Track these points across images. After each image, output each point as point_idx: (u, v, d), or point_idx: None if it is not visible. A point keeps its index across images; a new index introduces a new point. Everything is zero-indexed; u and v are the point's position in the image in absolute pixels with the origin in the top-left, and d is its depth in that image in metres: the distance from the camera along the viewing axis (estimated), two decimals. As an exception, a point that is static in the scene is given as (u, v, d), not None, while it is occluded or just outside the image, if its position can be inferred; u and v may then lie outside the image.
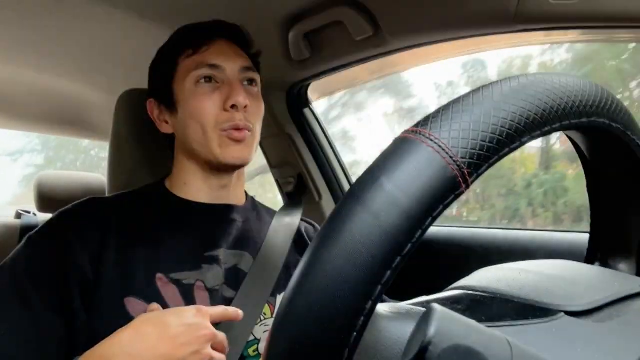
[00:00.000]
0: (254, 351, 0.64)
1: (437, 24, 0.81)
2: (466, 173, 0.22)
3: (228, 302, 0.64)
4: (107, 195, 0.80)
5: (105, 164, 0.90)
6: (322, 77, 1.10)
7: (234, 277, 0.67)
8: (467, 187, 0.22)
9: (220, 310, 0.58)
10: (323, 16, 0.88)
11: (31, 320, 0.55)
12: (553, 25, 0.71)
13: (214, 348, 0.55)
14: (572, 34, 0.78)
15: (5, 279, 0.58)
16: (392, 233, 0.21)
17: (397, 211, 0.21)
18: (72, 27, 0.95)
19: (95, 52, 1.06)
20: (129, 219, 0.66)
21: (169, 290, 0.61)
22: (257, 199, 0.84)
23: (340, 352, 0.20)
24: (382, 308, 0.26)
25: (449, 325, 0.20)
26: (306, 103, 1.24)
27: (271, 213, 0.82)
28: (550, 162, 2.01)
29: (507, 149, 0.23)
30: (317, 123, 1.26)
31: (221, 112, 0.67)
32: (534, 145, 1.96)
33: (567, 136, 0.34)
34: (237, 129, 0.67)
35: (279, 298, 0.70)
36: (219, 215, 0.72)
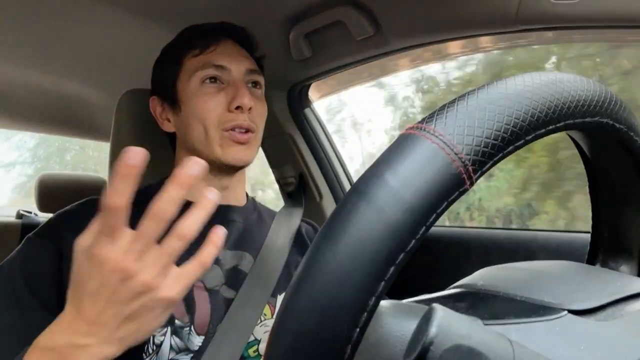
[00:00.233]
0: (254, 352, 0.64)
1: (438, 24, 0.81)
2: (471, 170, 0.22)
3: (228, 302, 0.64)
4: None
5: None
6: (323, 77, 1.10)
7: (234, 278, 0.67)
8: (472, 184, 0.22)
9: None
10: (324, 16, 0.88)
11: (25, 320, 0.55)
12: (554, 26, 0.71)
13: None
14: (573, 34, 0.78)
15: (1, 279, 0.57)
16: (396, 229, 0.21)
17: (401, 207, 0.21)
18: (73, 28, 0.96)
19: (97, 52, 1.06)
20: (128, 218, 0.66)
21: None
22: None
23: (342, 348, 0.20)
24: (385, 305, 0.26)
25: (451, 325, 0.20)
26: (307, 103, 1.24)
27: (272, 214, 0.82)
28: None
29: (511, 147, 0.23)
30: (317, 123, 1.26)
31: (225, 113, 0.68)
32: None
33: (570, 136, 0.34)
34: (241, 129, 0.68)
35: (279, 299, 0.70)
36: (219, 215, 0.72)
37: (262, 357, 0.22)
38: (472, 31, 0.79)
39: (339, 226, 0.21)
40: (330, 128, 1.25)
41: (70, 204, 0.67)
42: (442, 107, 0.24)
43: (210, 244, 0.41)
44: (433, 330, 0.19)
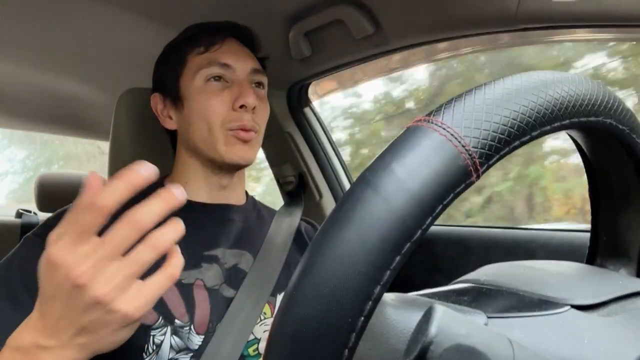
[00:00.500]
0: (254, 350, 0.64)
1: (437, 23, 0.81)
2: (477, 163, 0.22)
3: (228, 301, 0.64)
4: None
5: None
6: (323, 76, 1.10)
7: (234, 277, 0.67)
8: (478, 177, 0.22)
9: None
10: (323, 15, 0.88)
11: (21, 319, 0.54)
12: (554, 24, 0.71)
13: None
14: (573, 33, 0.78)
15: None
16: (402, 218, 0.21)
17: (408, 197, 0.21)
18: (73, 27, 0.95)
19: (96, 51, 1.06)
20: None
21: (167, 289, 0.61)
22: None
23: (346, 336, 0.20)
24: (389, 297, 0.26)
25: (451, 324, 0.20)
26: (307, 102, 1.24)
27: (271, 213, 0.82)
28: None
29: (517, 142, 0.24)
30: (317, 122, 1.26)
31: (229, 112, 0.68)
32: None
33: (571, 137, 0.34)
34: (245, 129, 0.68)
35: (279, 297, 0.70)
36: (219, 214, 0.72)
37: (266, 344, 0.22)
38: (472, 30, 0.79)
39: (346, 214, 0.21)
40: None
41: (70, 204, 0.67)
42: (450, 101, 0.24)
43: (177, 254, 0.38)
44: (433, 329, 0.19)
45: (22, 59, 1.09)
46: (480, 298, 0.28)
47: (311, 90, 1.23)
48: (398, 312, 0.25)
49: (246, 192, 0.81)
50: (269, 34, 0.95)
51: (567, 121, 0.26)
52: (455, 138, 0.22)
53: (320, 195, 1.23)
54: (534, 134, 0.24)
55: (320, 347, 0.20)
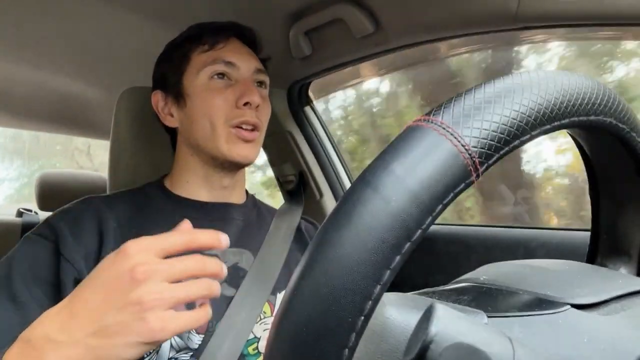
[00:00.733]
0: (253, 349, 0.65)
1: (438, 22, 0.81)
2: (477, 162, 0.22)
3: (228, 300, 0.64)
4: (107, 193, 0.80)
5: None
6: (323, 74, 1.10)
7: (234, 276, 0.67)
8: (478, 176, 0.22)
9: (177, 236, 0.41)
10: (324, 13, 0.88)
11: (21, 318, 0.55)
12: (554, 23, 0.71)
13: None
14: (573, 32, 0.78)
15: None
16: (402, 218, 0.21)
17: (408, 196, 0.21)
18: (73, 26, 0.95)
19: (96, 50, 1.06)
20: (127, 216, 0.66)
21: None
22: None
23: (346, 336, 0.20)
24: (389, 296, 0.26)
25: (451, 323, 0.20)
26: (307, 101, 1.24)
27: (272, 211, 0.82)
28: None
29: (517, 141, 0.24)
30: (318, 121, 1.26)
31: (232, 109, 0.68)
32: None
33: (571, 136, 0.34)
34: (248, 125, 0.69)
35: (279, 296, 0.70)
36: (218, 213, 0.72)
37: (266, 344, 0.22)
38: (472, 29, 0.79)
39: (345, 214, 0.21)
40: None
41: (70, 201, 0.67)
42: (450, 100, 0.24)
43: (207, 308, 0.42)
44: (433, 328, 0.20)
45: (23, 58, 1.09)
46: (480, 297, 0.28)
47: (312, 89, 1.23)
48: (398, 311, 0.25)
49: (246, 191, 0.81)
50: (270, 32, 0.95)
51: (567, 120, 0.26)
52: (455, 137, 0.22)
53: (321, 194, 1.23)
54: (534, 133, 0.24)
55: (321, 347, 0.20)
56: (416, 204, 0.21)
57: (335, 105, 1.89)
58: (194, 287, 0.39)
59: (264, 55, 0.79)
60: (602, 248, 0.39)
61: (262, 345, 0.66)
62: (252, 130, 0.70)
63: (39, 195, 1.47)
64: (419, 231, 0.21)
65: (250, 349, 0.64)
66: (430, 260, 1.07)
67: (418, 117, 0.24)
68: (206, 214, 0.71)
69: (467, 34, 0.81)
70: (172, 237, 0.41)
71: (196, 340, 0.60)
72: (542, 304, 0.26)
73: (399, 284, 0.29)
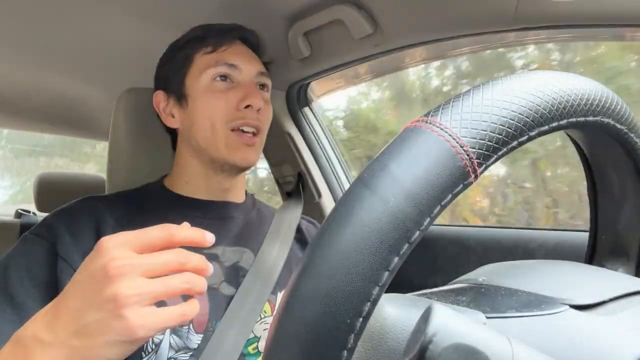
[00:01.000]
0: (253, 349, 0.64)
1: (436, 23, 0.81)
2: (475, 163, 0.22)
3: (228, 299, 0.64)
4: (106, 194, 0.80)
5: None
6: (322, 76, 1.10)
7: (234, 275, 0.67)
8: (476, 177, 0.22)
9: (157, 231, 0.39)
10: (323, 15, 0.88)
11: (18, 318, 0.54)
12: (553, 24, 0.71)
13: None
14: (572, 33, 0.78)
15: None
16: (401, 219, 0.21)
17: (406, 197, 0.21)
18: (72, 27, 0.95)
19: (96, 51, 1.06)
20: (126, 216, 0.66)
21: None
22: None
23: (345, 337, 0.20)
24: (388, 297, 0.26)
25: (449, 323, 0.20)
26: (306, 102, 1.24)
27: (271, 211, 0.82)
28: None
29: (515, 142, 0.24)
30: (317, 122, 1.26)
31: (234, 111, 0.68)
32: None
33: (569, 137, 0.34)
34: (250, 128, 0.69)
35: (280, 295, 0.70)
36: (218, 212, 0.72)
37: (265, 345, 0.22)
38: (471, 30, 0.79)
39: (343, 215, 0.21)
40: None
41: (68, 202, 0.67)
42: (448, 101, 0.24)
43: (197, 303, 0.40)
44: (432, 329, 0.20)
45: (21, 58, 1.09)
46: (479, 298, 0.28)
47: (310, 90, 1.23)
48: (397, 312, 0.25)
49: (245, 191, 0.81)
50: (268, 33, 0.95)
51: (565, 121, 0.26)
52: (453, 139, 0.22)
53: (320, 195, 1.23)
54: (532, 134, 0.24)
55: (319, 349, 0.20)
56: (414, 205, 0.21)
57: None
58: (173, 282, 0.38)
59: (265, 59, 0.79)
60: (600, 248, 0.39)
61: (262, 345, 0.66)
62: (253, 135, 0.70)
63: (37, 196, 1.47)
64: (418, 232, 0.21)
65: (250, 348, 0.64)
66: (429, 261, 1.07)
67: (416, 118, 0.24)
68: (206, 213, 0.71)
69: (466, 35, 0.81)
70: (150, 231, 0.39)
71: (195, 339, 0.60)
72: (540, 304, 0.26)
73: (397, 285, 0.29)
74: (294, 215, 0.82)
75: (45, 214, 1.49)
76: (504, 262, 0.35)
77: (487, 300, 0.28)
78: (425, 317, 0.20)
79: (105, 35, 0.99)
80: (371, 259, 0.20)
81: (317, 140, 1.25)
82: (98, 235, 0.62)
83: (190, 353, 0.60)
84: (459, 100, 0.24)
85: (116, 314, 0.35)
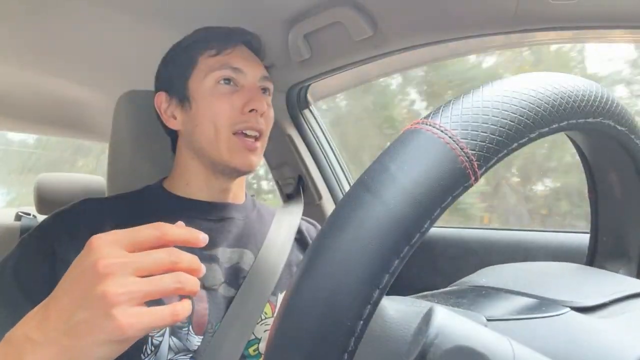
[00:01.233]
0: (254, 350, 0.64)
1: (436, 24, 0.81)
2: (475, 165, 0.22)
3: (228, 301, 0.64)
4: (106, 196, 0.80)
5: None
6: (322, 78, 1.10)
7: (235, 276, 0.67)
8: (476, 179, 0.22)
9: (149, 230, 0.39)
10: (322, 17, 0.88)
11: (15, 321, 0.54)
12: (553, 25, 0.71)
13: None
14: (572, 34, 0.78)
15: None
16: (401, 221, 0.21)
17: (406, 200, 0.21)
18: (72, 29, 0.96)
19: (96, 53, 1.06)
20: (125, 218, 0.66)
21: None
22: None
23: (346, 340, 0.20)
24: (388, 300, 0.26)
25: (450, 326, 0.20)
26: (306, 104, 1.24)
27: (271, 212, 0.82)
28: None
29: (515, 144, 0.24)
30: (317, 124, 1.26)
31: (238, 115, 0.68)
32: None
33: (570, 138, 0.34)
34: (253, 131, 0.69)
35: (280, 297, 0.70)
36: (218, 213, 0.72)
37: (265, 347, 0.22)
38: (471, 31, 0.79)
39: (344, 218, 0.21)
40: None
41: (67, 204, 0.67)
42: (447, 103, 0.24)
43: (189, 303, 0.39)
44: (433, 331, 0.19)
45: (22, 61, 1.09)
46: (480, 301, 0.28)
47: (311, 92, 1.23)
48: (397, 315, 0.25)
49: (245, 192, 0.81)
50: (268, 36, 0.95)
51: (565, 123, 0.26)
52: (454, 141, 0.22)
53: (320, 197, 1.23)
54: (533, 135, 0.24)
55: (320, 351, 0.20)
56: (415, 207, 0.21)
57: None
58: (164, 281, 0.37)
59: (267, 62, 0.79)
60: (601, 250, 0.39)
61: (263, 347, 0.66)
62: (255, 139, 0.70)
63: (37, 198, 1.47)
64: (418, 234, 0.21)
65: (251, 350, 0.64)
66: (429, 263, 1.07)
67: (416, 120, 0.24)
68: (206, 214, 0.71)
69: (465, 36, 0.81)
70: (142, 230, 0.39)
71: (195, 341, 0.60)
72: (541, 306, 0.26)
73: (398, 287, 0.29)
74: (294, 216, 0.82)
75: (45, 217, 1.49)
76: (505, 264, 0.35)
77: (488, 302, 0.28)
78: (427, 319, 0.20)
79: (105, 37, 0.99)
80: (372, 262, 0.20)
81: (317, 142, 1.25)
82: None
83: (190, 355, 0.60)
84: (458, 101, 0.24)
85: (105, 312, 0.35)
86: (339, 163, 1.28)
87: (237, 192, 0.77)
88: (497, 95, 0.24)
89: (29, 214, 1.53)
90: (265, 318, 0.67)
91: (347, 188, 1.26)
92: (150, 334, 0.58)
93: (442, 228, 1.13)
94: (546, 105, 0.24)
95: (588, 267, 0.38)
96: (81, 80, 1.23)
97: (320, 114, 1.27)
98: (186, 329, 0.60)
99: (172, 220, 0.68)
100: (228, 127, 0.68)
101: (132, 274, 0.36)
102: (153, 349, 0.58)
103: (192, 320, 0.61)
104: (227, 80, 0.70)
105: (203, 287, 0.63)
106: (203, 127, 0.69)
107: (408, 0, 0.79)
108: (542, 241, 0.91)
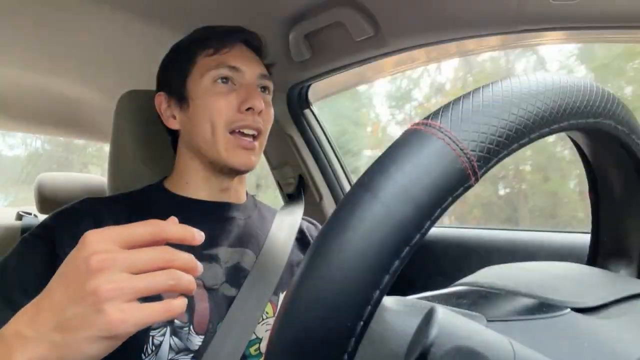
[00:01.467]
0: (255, 350, 0.64)
1: (437, 25, 0.81)
2: (475, 166, 0.22)
3: (229, 300, 0.64)
4: (107, 196, 0.80)
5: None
6: (323, 78, 1.10)
7: (236, 275, 0.67)
8: (476, 180, 0.22)
9: (147, 226, 0.39)
10: (323, 17, 0.88)
11: None
12: (553, 26, 0.71)
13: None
14: (572, 35, 0.78)
15: None
16: (401, 222, 0.21)
17: (406, 201, 0.21)
18: (73, 29, 0.96)
19: (97, 53, 1.06)
20: (125, 217, 0.66)
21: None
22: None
23: (346, 341, 0.20)
24: (388, 301, 0.26)
25: (451, 326, 0.20)
26: (307, 104, 1.24)
27: (272, 212, 0.82)
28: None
29: (516, 145, 0.24)
30: (317, 124, 1.26)
31: (235, 113, 0.68)
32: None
33: (571, 138, 0.34)
34: (250, 130, 0.69)
35: (281, 297, 0.70)
36: (219, 213, 0.72)
37: (265, 350, 0.22)
38: (472, 32, 0.79)
39: (343, 219, 0.21)
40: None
41: (68, 203, 0.67)
42: (448, 104, 0.24)
43: (184, 301, 0.39)
44: (433, 331, 0.19)
45: (23, 61, 1.10)
46: (480, 301, 0.28)
47: (311, 92, 1.23)
48: (397, 316, 0.25)
49: (246, 191, 0.81)
50: (269, 36, 0.95)
51: (566, 123, 0.26)
52: (454, 141, 0.22)
53: (321, 197, 1.23)
54: (533, 136, 0.24)
55: (319, 353, 0.20)
56: (414, 208, 0.21)
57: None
58: (158, 278, 0.36)
59: (267, 61, 0.79)
60: (602, 250, 0.39)
61: (264, 346, 0.66)
62: (253, 138, 0.70)
63: (38, 198, 1.47)
64: (418, 235, 0.21)
65: (252, 349, 0.64)
66: (430, 263, 1.07)
67: (416, 121, 0.24)
68: (207, 214, 0.71)
69: (466, 36, 0.81)
70: (137, 227, 0.38)
71: (196, 341, 0.60)
72: (542, 307, 0.26)
73: (398, 287, 0.29)
74: (295, 216, 0.82)
75: (46, 216, 1.49)
76: (505, 264, 0.35)
77: (488, 303, 0.28)
78: (428, 319, 0.20)
79: (106, 37, 0.99)
80: (371, 263, 0.20)
81: (317, 142, 1.25)
82: None
83: (191, 355, 0.60)
84: (459, 102, 0.24)
85: (96, 308, 0.34)
86: (339, 163, 1.28)
87: (238, 192, 0.77)
88: (498, 95, 0.24)
89: (30, 214, 1.53)
90: (267, 318, 0.67)
91: (347, 188, 1.26)
92: (151, 334, 0.58)
93: (443, 228, 1.13)
94: (547, 105, 0.24)
95: (589, 267, 0.38)
96: (82, 80, 1.23)
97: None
98: (187, 328, 0.60)
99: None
100: (225, 126, 0.68)
101: (125, 271, 0.36)
102: (154, 348, 0.58)
103: (193, 320, 0.61)
104: (225, 79, 0.70)
105: (204, 286, 0.63)
106: (201, 126, 0.69)
107: (409, 0, 0.79)
108: (543, 241, 0.91)
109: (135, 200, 0.71)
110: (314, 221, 0.87)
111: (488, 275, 0.32)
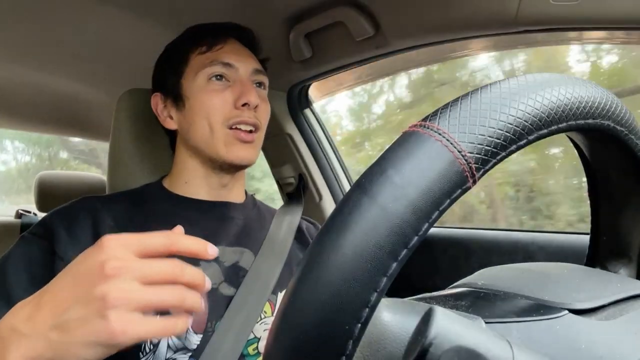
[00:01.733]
0: (253, 350, 0.64)
1: (438, 25, 0.81)
2: (474, 168, 0.22)
3: (227, 300, 0.64)
4: (106, 194, 0.80)
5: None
6: (323, 77, 1.10)
7: (234, 275, 0.67)
8: (475, 182, 0.22)
9: (158, 237, 0.38)
10: (324, 16, 0.88)
11: None
12: (554, 27, 0.71)
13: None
14: (572, 35, 0.78)
15: None
16: (399, 224, 0.21)
17: (404, 203, 0.21)
18: (73, 27, 0.96)
19: (96, 51, 1.06)
20: (124, 216, 0.66)
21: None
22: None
23: (344, 343, 0.20)
24: (386, 302, 0.26)
25: (450, 326, 0.20)
26: (307, 103, 1.24)
27: (271, 211, 0.82)
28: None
29: (514, 146, 0.23)
30: (317, 123, 1.26)
31: (231, 110, 0.68)
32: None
33: (570, 139, 0.34)
34: (247, 125, 0.68)
35: (280, 296, 0.70)
36: (218, 212, 0.72)
37: (263, 352, 0.22)
38: (472, 32, 0.79)
39: (341, 221, 0.21)
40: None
41: (67, 202, 0.67)
42: (446, 105, 0.24)
43: (188, 320, 0.39)
44: (432, 332, 0.19)
45: (22, 59, 1.09)
46: (478, 303, 0.28)
47: (311, 92, 1.23)
48: (395, 317, 0.25)
49: (245, 191, 0.81)
50: (270, 35, 0.95)
51: (565, 124, 0.25)
52: (451, 143, 0.22)
53: (320, 197, 1.23)
54: (531, 137, 0.24)
55: (318, 354, 0.20)
56: (412, 210, 0.21)
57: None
58: (166, 293, 0.37)
59: (263, 56, 0.79)
60: (601, 250, 0.39)
61: (263, 346, 0.66)
62: (251, 132, 0.70)
63: (38, 196, 1.47)
64: (416, 238, 0.21)
65: (250, 349, 0.64)
66: (429, 263, 1.07)
67: (414, 123, 0.24)
68: (205, 213, 0.71)
69: (467, 37, 0.81)
70: (153, 237, 0.38)
71: (195, 340, 0.60)
72: (539, 309, 0.26)
73: (396, 288, 0.29)
74: (294, 215, 0.82)
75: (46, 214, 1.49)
76: (504, 266, 0.35)
77: (486, 304, 0.28)
78: (426, 319, 0.20)
79: (105, 35, 0.99)
80: (369, 265, 0.20)
81: (317, 142, 1.25)
82: (96, 234, 0.62)
83: (190, 353, 0.60)
84: (457, 104, 0.24)
85: (101, 313, 0.34)
86: (339, 163, 1.28)
87: (237, 191, 0.77)
88: (496, 97, 0.24)
89: (30, 212, 1.53)
90: (265, 317, 0.67)
91: (347, 188, 1.26)
92: None
93: (442, 228, 1.13)
94: (545, 107, 0.24)
95: (588, 268, 0.38)
96: (82, 78, 1.23)
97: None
98: None
99: (172, 220, 0.68)
100: (222, 123, 0.68)
101: (136, 280, 0.36)
102: (152, 347, 0.58)
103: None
104: (219, 77, 0.69)
105: None
106: (198, 125, 0.69)
107: (410, 0, 0.79)
108: (542, 241, 0.91)
109: (134, 199, 0.71)
110: (314, 221, 0.87)
111: (486, 277, 0.32)
